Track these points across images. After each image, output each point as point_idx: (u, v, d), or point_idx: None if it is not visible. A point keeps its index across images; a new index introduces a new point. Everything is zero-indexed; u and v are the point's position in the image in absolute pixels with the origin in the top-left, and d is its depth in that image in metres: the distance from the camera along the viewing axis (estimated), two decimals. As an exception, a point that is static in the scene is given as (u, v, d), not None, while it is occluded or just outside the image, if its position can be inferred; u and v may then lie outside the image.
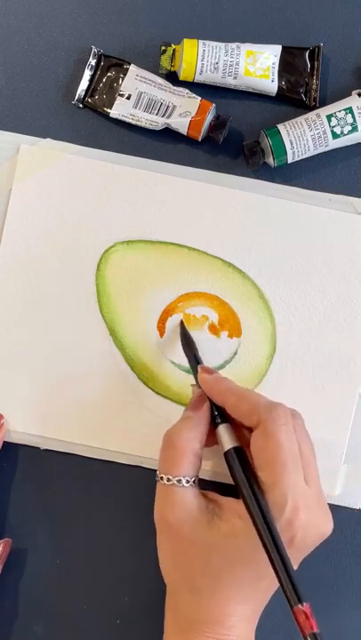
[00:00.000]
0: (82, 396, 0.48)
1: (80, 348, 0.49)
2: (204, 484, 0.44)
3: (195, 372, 0.45)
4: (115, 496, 0.48)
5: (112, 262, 0.49)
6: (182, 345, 0.47)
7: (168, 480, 0.40)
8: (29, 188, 0.49)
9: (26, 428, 0.48)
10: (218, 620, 0.39)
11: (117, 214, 0.49)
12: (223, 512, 0.40)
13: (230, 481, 0.40)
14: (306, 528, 0.38)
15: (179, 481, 0.40)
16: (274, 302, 0.49)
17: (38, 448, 0.48)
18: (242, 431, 0.42)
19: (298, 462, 0.39)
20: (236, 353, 0.49)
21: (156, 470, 0.44)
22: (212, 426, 0.42)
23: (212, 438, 0.42)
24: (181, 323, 0.48)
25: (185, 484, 0.40)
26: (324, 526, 0.39)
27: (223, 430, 0.41)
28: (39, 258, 0.49)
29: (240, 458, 0.40)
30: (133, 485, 0.48)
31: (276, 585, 0.38)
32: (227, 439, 0.41)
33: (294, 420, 0.41)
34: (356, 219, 0.50)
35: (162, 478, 0.41)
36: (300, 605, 0.34)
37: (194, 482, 0.41)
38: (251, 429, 0.40)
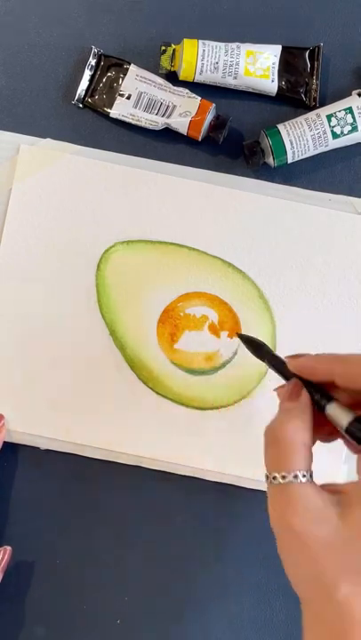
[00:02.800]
0: (82, 396, 0.48)
1: (80, 348, 0.49)
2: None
3: (278, 371, 0.40)
4: (115, 496, 0.48)
5: (112, 262, 0.49)
6: (255, 355, 0.42)
7: (283, 477, 0.35)
8: (29, 188, 0.49)
9: (26, 428, 0.48)
10: None
11: (117, 214, 0.49)
12: (351, 497, 0.35)
13: None
14: None
15: (295, 477, 0.35)
16: (274, 302, 0.49)
17: (38, 448, 0.48)
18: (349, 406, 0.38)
19: None
20: (236, 353, 0.49)
21: (156, 470, 0.44)
22: (318, 412, 0.37)
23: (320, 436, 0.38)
24: (238, 335, 0.44)
25: (302, 480, 0.34)
26: None
27: (335, 408, 0.37)
28: (39, 258, 0.49)
29: None
30: (133, 485, 0.48)
31: None
32: (343, 414, 0.36)
33: None
34: (357, 219, 0.50)
35: (275, 478, 0.35)
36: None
37: (311, 476, 0.35)
38: None
